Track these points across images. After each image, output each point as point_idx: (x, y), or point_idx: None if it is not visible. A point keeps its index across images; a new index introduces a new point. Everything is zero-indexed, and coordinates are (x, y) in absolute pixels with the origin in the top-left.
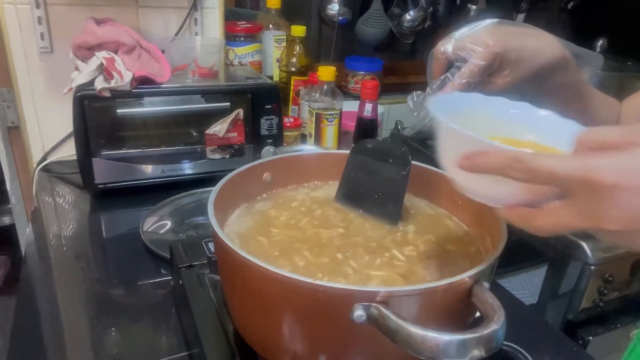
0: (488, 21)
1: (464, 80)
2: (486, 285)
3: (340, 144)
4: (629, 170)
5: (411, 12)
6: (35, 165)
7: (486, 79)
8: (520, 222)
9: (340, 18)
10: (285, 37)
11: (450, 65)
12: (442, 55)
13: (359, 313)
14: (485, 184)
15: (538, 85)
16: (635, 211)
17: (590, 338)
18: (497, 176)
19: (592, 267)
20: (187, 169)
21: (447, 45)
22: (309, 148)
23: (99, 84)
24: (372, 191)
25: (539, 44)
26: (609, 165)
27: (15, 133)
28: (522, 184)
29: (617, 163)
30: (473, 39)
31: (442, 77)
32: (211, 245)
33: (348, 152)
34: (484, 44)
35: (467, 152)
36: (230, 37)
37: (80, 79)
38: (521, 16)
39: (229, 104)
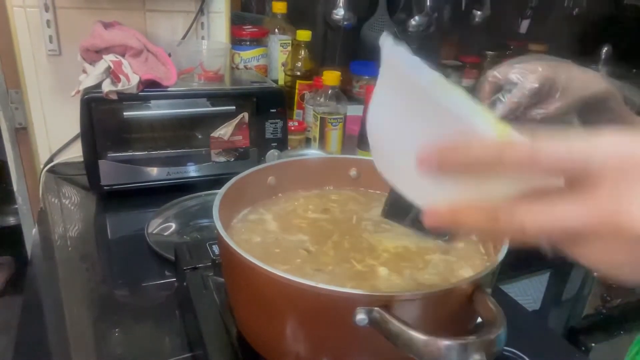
0: (535, 56)
1: (515, 100)
2: (488, 290)
3: (344, 148)
4: None
5: (416, 18)
6: (42, 166)
7: (535, 107)
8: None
9: (345, 23)
10: (290, 42)
11: (499, 89)
12: (493, 78)
13: (361, 317)
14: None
15: (586, 116)
16: None
17: (593, 345)
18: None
19: (595, 274)
20: (192, 171)
21: (499, 69)
22: (313, 152)
23: (106, 86)
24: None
25: (586, 76)
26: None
27: (22, 134)
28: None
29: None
30: (525, 64)
31: (492, 98)
32: (215, 248)
33: (352, 157)
34: (535, 69)
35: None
36: (236, 41)
37: (87, 81)
38: (526, 22)
39: (234, 107)
